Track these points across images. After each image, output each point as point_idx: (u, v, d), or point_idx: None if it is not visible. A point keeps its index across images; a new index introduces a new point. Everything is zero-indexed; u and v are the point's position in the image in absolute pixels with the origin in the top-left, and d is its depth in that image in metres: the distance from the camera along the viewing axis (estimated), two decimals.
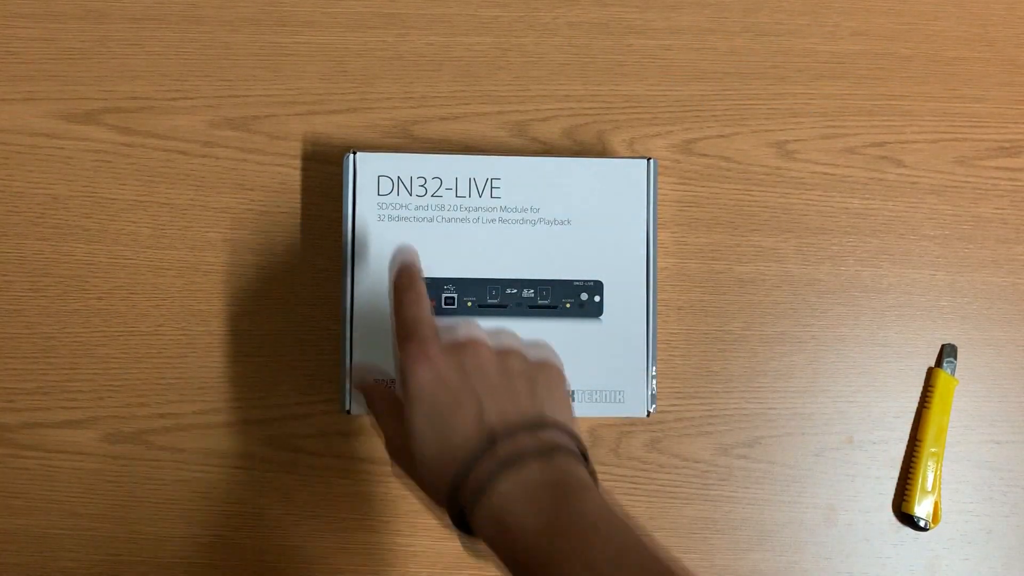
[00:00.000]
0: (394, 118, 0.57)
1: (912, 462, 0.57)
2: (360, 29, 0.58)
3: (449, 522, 0.39)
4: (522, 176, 0.52)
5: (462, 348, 0.40)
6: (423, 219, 0.51)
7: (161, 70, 0.57)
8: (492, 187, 0.52)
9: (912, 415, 0.58)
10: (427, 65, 0.58)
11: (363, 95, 0.57)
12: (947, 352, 0.57)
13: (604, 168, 0.52)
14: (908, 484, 0.57)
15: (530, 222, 0.52)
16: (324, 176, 0.57)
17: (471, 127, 0.57)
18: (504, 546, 0.36)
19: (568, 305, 0.51)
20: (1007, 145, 0.59)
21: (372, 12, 0.58)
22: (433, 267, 0.51)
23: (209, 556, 0.56)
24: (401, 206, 0.51)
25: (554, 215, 0.52)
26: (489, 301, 0.51)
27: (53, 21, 0.57)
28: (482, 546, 0.37)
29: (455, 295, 0.51)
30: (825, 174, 0.58)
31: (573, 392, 0.51)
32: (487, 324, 0.51)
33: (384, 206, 0.51)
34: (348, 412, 0.50)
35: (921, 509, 0.56)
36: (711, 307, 0.57)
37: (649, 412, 0.51)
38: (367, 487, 0.56)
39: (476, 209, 0.51)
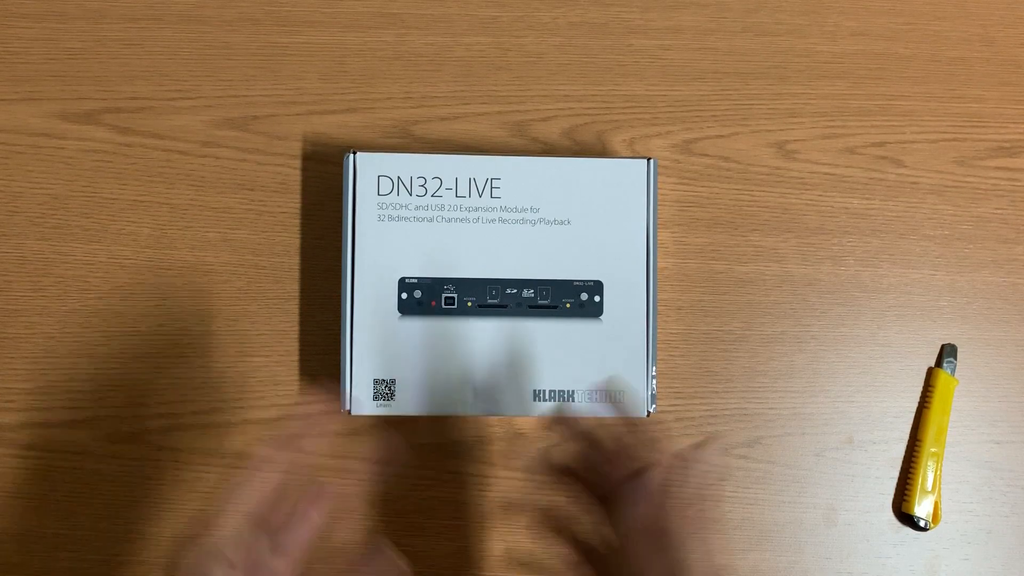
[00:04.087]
0: (394, 118, 0.57)
1: (912, 462, 0.57)
2: (360, 29, 0.58)
3: None
4: (522, 176, 0.52)
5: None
6: (423, 219, 0.51)
7: (161, 70, 0.57)
8: (492, 187, 0.52)
9: (912, 415, 0.58)
10: (427, 65, 0.58)
11: (363, 95, 0.57)
12: (947, 352, 0.57)
13: (604, 168, 0.52)
14: (908, 484, 0.57)
15: (530, 222, 0.52)
16: (324, 176, 0.57)
17: (471, 127, 0.57)
18: None
19: (568, 305, 0.51)
20: (1007, 145, 0.59)
21: (372, 12, 0.58)
22: (433, 267, 0.51)
23: None
24: (401, 206, 0.51)
25: (554, 215, 0.52)
26: (489, 301, 0.51)
27: (53, 21, 0.57)
28: None
29: (455, 295, 0.51)
30: (825, 174, 0.58)
31: (574, 392, 0.51)
32: (487, 324, 0.51)
33: (384, 206, 0.51)
34: (348, 412, 0.50)
35: (921, 509, 0.56)
36: (711, 307, 0.57)
37: (649, 412, 0.51)
38: (367, 487, 0.56)
39: (476, 209, 0.51)
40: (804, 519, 0.57)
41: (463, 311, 0.51)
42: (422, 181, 0.51)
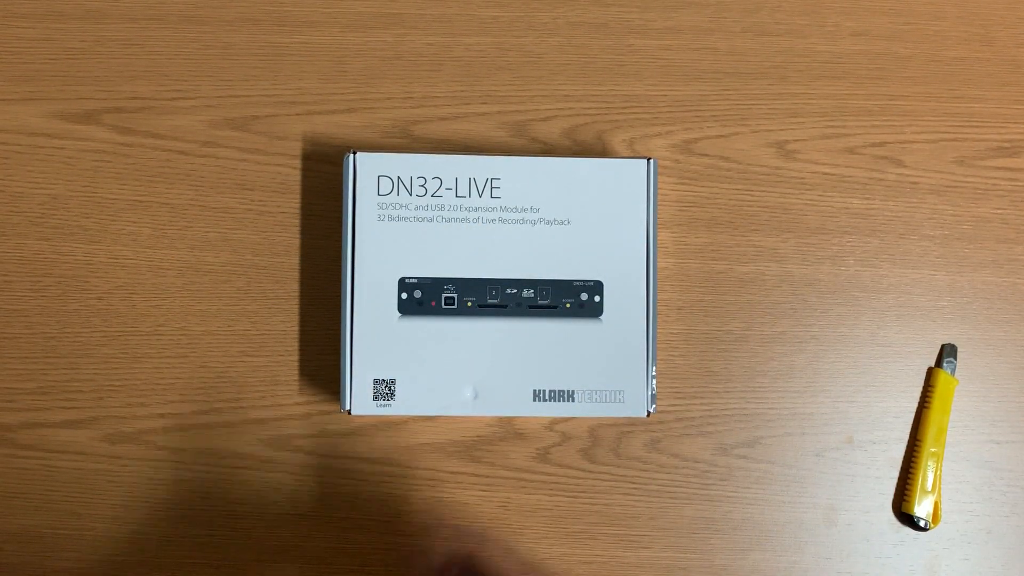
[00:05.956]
0: (394, 118, 0.57)
1: (912, 462, 0.57)
2: (360, 29, 0.58)
3: None
4: (522, 176, 0.52)
5: None
6: (423, 219, 0.51)
7: (161, 70, 0.57)
8: (492, 187, 0.52)
9: (912, 415, 0.58)
10: (427, 65, 0.58)
11: (363, 95, 0.57)
12: (947, 352, 0.57)
13: (604, 168, 0.52)
14: (908, 484, 0.57)
15: (530, 222, 0.52)
16: (324, 176, 0.57)
17: (471, 127, 0.57)
18: None
19: (568, 305, 0.51)
20: (1007, 145, 0.59)
21: (372, 12, 0.58)
22: (433, 267, 0.51)
23: (209, 556, 0.56)
24: (401, 206, 0.51)
25: (554, 215, 0.52)
26: (489, 301, 0.51)
27: (54, 21, 0.57)
28: None
29: (455, 295, 0.51)
30: (825, 174, 0.58)
31: (573, 392, 0.51)
32: (487, 324, 0.51)
33: (384, 206, 0.51)
34: (348, 412, 0.50)
35: (921, 509, 0.56)
36: (711, 307, 0.57)
37: (649, 412, 0.51)
38: (367, 487, 0.56)
39: (476, 209, 0.51)
40: (804, 519, 0.57)
41: (463, 311, 0.51)
42: (422, 181, 0.51)
